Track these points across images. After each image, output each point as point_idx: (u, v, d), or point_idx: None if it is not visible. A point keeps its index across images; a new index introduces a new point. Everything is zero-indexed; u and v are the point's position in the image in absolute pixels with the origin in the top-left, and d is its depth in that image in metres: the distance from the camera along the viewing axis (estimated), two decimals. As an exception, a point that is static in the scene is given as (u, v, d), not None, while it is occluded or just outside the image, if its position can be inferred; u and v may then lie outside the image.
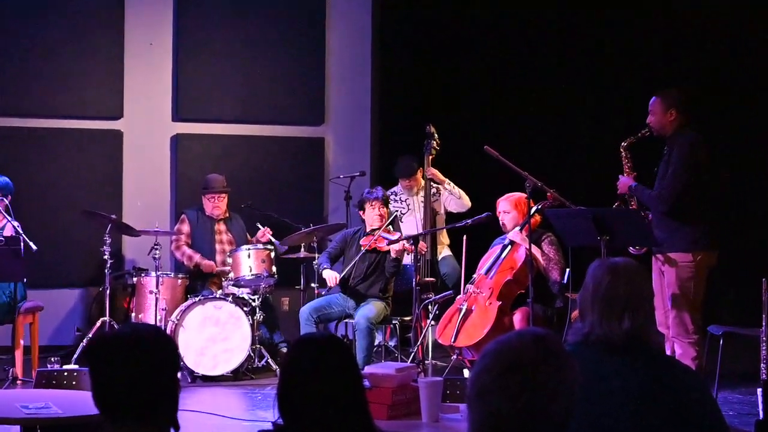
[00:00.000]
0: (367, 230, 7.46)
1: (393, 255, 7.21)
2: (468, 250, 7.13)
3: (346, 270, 7.35)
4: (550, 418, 1.96)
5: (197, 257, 7.95)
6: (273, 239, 7.83)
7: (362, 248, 7.30)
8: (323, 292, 7.36)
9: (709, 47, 9.04)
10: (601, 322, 2.83)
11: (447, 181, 8.16)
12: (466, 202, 8.12)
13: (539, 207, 6.67)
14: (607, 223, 5.85)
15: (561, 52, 9.44)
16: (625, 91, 8.89)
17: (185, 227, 8.09)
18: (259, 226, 7.99)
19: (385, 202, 7.47)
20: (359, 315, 7.09)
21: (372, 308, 7.15)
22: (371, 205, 7.39)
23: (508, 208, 6.94)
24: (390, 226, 7.36)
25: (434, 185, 8.25)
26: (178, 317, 7.21)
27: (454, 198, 8.15)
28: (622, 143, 6.33)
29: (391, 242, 7.15)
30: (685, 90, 6.32)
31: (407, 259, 7.68)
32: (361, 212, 7.53)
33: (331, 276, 7.26)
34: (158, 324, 7.22)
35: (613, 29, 9.35)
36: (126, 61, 8.87)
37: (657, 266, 6.16)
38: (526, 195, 6.51)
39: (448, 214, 8.30)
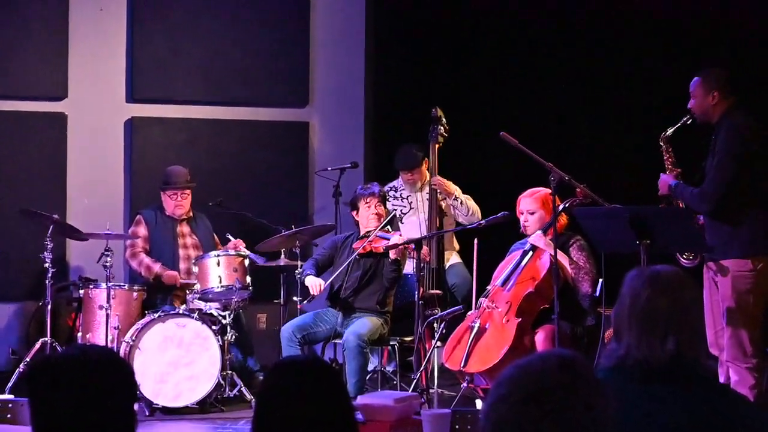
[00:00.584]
0: (361, 233, 7.47)
1: (392, 257, 7.21)
2: (480, 257, 7.14)
3: (335, 276, 7.36)
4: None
5: (157, 267, 7.95)
6: (247, 252, 7.82)
7: (355, 252, 7.31)
8: (305, 303, 7.36)
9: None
10: (640, 342, 2.84)
11: (455, 194, 8.15)
12: (475, 217, 8.11)
13: (566, 205, 6.67)
14: (648, 224, 5.84)
15: (589, 25, 9.43)
16: (671, 67, 8.89)
17: (142, 230, 8.10)
18: (230, 237, 7.99)
19: (383, 199, 7.50)
20: (348, 332, 7.09)
21: (365, 323, 7.15)
22: (366, 203, 7.41)
23: (533, 207, 6.91)
24: (388, 227, 7.37)
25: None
26: (133, 337, 7.21)
27: (462, 214, 8.17)
28: (662, 134, 6.33)
29: (390, 246, 7.15)
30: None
31: (408, 268, 7.69)
32: (353, 212, 7.54)
33: (314, 283, 7.26)
34: (110, 345, 7.21)
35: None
36: (71, 30, 8.86)
37: (709, 276, 6.16)
38: (550, 191, 6.51)
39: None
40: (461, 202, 8.16)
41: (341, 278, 7.40)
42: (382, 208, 7.47)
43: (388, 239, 7.20)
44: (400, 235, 7.28)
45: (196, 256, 7.85)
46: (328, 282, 7.33)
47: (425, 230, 8.13)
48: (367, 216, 7.42)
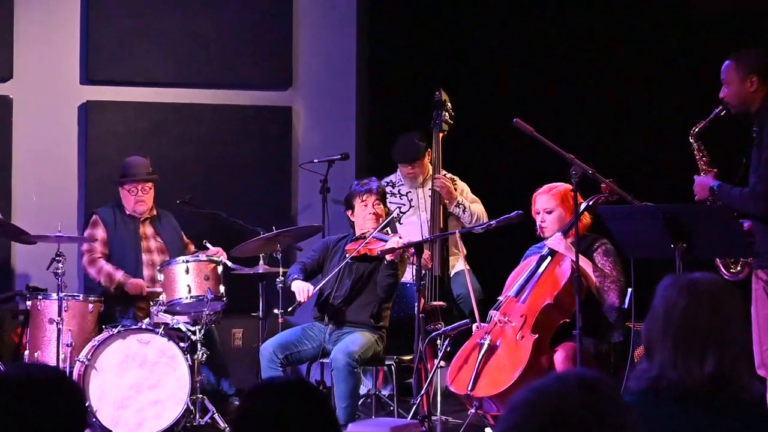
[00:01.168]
0: (357, 235, 7.44)
1: (390, 258, 7.16)
2: (484, 261, 7.13)
3: (323, 283, 7.34)
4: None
5: (120, 276, 7.94)
6: (228, 263, 7.80)
7: (347, 256, 7.28)
8: (289, 312, 7.29)
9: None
10: (676, 361, 2.85)
11: (460, 196, 8.13)
12: (480, 221, 8.09)
13: (590, 203, 6.67)
14: (684, 224, 5.85)
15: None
16: (706, 47, 8.89)
17: (99, 232, 8.09)
18: (208, 245, 7.97)
19: (382, 196, 7.46)
20: (337, 349, 7.08)
21: (356, 339, 7.14)
22: (362, 201, 7.38)
23: (551, 204, 6.91)
24: (387, 229, 7.35)
25: (449, 175, 8.23)
26: (89, 356, 7.21)
27: (465, 222, 8.15)
28: (692, 130, 6.33)
29: (386, 249, 7.11)
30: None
31: (407, 276, 7.68)
32: (348, 212, 7.50)
33: (301, 287, 7.23)
34: (61, 365, 7.21)
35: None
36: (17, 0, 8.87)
37: (759, 287, 6.15)
38: (570, 187, 6.52)
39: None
40: (464, 209, 8.15)
41: (330, 286, 7.38)
42: (381, 207, 7.44)
43: (386, 242, 7.18)
44: (400, 238, 7.27)
45: (161, 262, 7.85)
46: (317, 288, 7.31)
47: (427, 232, 8.13)
48: (363, 216, 7.39)
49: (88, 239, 8.06)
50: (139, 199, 8.11)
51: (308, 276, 7.50)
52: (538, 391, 2.04)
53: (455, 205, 8.17)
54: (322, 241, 7.78)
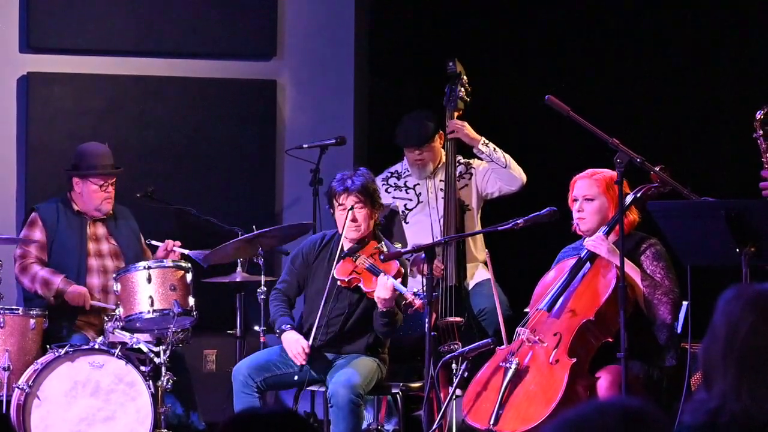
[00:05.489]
0: (343, 236, 7.27)
1: (381, 307, 7.03)
2: (507, 267, 7.13)
3: (307, 308, 7.33)
4: None
5: (59, 281, 7.90)
6: (185, 251, 7.82)
7: (336, 279, 7.15)
8: (296, 378, 7.16)
9: None
10: (740, 390, 2.86)
11: (482, 139, 8.11)
12: (517, 173, 8.11)
13: (638, 195, 6.66)
14: (752, 224, 5.85)
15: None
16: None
17: (37, 234, 8.04)
18: (153, 242, 7.97)
19: (368, 196, 7.24)
20: (336, 381, 7.05)
21: (357, 368, 7.12)
22: (339, 204, 7.16)
23: (592, 191, 6.85)
24: (381, 244, 7.20)
25: (463, 160, 8.25)
26: (30, 382, 7.22)
27: (498, 168, 8.13)
28: (756, 115, 6.33)
29: (379, 298, 6.94)
30: None
31: (417, 285, 7.65)
32: (331, 210, 7.36)
33: (294, 348, 7.02)
34: (-4, 393, 7.25)
35: None
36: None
37: None
38: (615, 175, 6.50)
39: (490, 204, 8.29)
40: (494, 149, 8.10)
41: (316, 311, 7.22)
42: (367, 211, 7.20)
43: (378, 276, 6.98)
44: (389, 278, 7.00)
45: (116, 269, 7.84)
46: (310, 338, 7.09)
47: (439, 232, 8.11)
48: (341, 223, 7.20)
49: (22, 242, 8.00)
50: (108, 196, 8.07)
51: (293, 303, 7.36)
52: (573, 423, 2.06)
53: (482, 144, 8.10)
54: (297, 251, 7.52)
